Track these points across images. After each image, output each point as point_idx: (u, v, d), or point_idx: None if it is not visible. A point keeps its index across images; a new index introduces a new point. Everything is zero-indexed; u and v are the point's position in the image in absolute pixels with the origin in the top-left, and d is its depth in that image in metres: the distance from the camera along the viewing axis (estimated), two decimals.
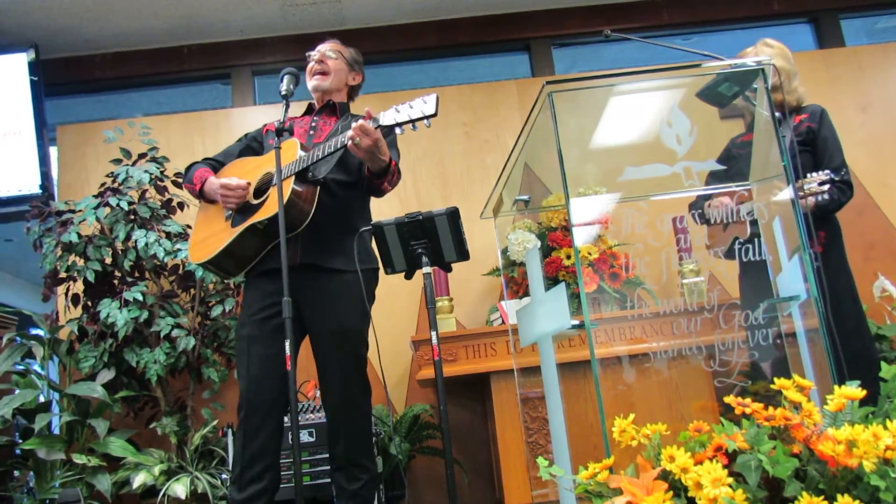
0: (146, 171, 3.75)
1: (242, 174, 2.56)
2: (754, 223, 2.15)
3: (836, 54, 4.57)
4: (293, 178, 2.35)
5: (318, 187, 2.42)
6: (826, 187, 2.53)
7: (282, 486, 2.48)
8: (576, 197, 2.09)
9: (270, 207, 2.35)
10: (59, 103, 4.67)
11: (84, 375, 3.61)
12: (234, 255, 2.51)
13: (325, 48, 2.72)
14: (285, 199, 2.29)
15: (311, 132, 2.62)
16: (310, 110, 2.77)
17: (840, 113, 4.39)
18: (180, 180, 2.82)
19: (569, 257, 3.61)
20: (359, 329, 2.48)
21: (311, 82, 2.69)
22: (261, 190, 2.49)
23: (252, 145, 2.76)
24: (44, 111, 4.26)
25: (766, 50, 2.91)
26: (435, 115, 2.22)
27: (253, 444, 2.37)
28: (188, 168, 2.73)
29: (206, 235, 2.59)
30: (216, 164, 2.71)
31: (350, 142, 2.26)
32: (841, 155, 2.87)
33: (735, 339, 2.02)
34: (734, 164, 2.43)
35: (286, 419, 2.53)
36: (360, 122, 2.25)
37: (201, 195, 2.62)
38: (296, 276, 2.40)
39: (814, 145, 2.87)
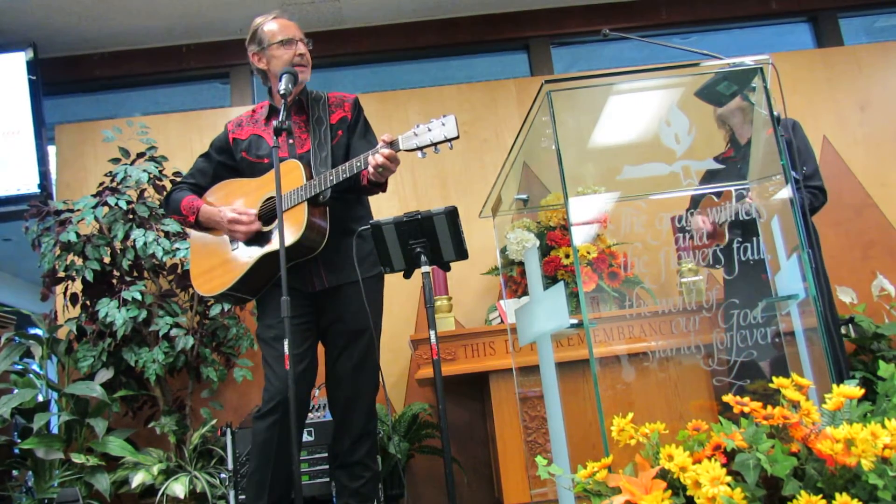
0: (145, 171, 3.74)
1: (237, 198, 2.53)
2: (734, 228, 2.15)
3: (835, 53, 4.57)
4: (306, 204, 2.34)
5: (327, 206, 2.42)
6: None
7: None
8: (574, 196, 2.09)
9: (286, 235, 2.30)
10: (58, 102, 4.66)
11: (83, 375, 3.61)
12: (249, 284, 2.50)
13: (302, 35, 2.59)
14: (303, 227, 2.31)
15: (290, 140, 2.53)
16: (274, 111, 2.60)
17: (839, 112, 4.41)
18: (179, 179, 2.77)
19: (567, 256, 3.61)
20: (373, 328, 2.49)
21: (298, 75, 2.51)
22: (268, 215, 2.47)
23: (222, 160, 2.64)
24: (42, 110, 4.25)
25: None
26: (457, 137, 2.21)
27: (288, 446, 2.34)
28: (167, 197, 2.64)
29: (212, 266, 2.56)
30: (196, 189, 2.62)
31: (373, 169, 2.26)
32: (814, 163, 2.95)
33: (734, 337, 2.02)
34: (715, 179, 2.44)
35: None
36: (387, 151, 2.25)
37: (197, 226, 2.56)
38: (322, 293, 2.46)
39: (791, 155, 2.95)
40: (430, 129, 2.23)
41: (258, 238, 2.46)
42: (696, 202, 2.64)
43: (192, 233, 2.65)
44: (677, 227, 2.49)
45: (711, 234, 2.31)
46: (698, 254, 2.24)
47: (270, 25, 2.59)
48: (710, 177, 2.37)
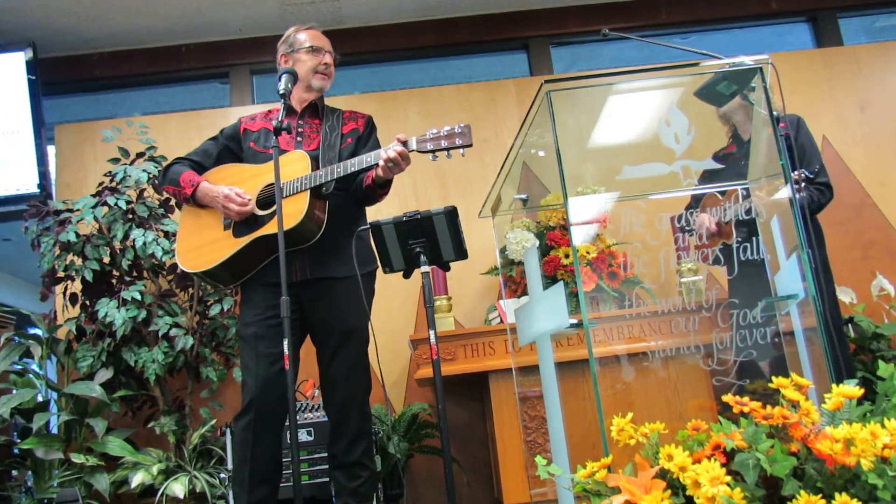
0: (144, 171, 3.74)
1: (239, 181, 2.53)
2: (740, 227, 2.15)
3: (835, 53, 4.57)
4: (309, 193, 2.35)
5: (327, 199, 2.43)
6: (802, 184, 2.57)
7: (280, 485, 2.49)
8: (574, 196, 2.09)
9: (284, 220, 2.31)
10: (57, 102, 4.66)
11: (82, 375, 3.61)
12: (235, 267, 2.48)
13: (331, 48, 2.68)
14: (302, 215, 2.32)
15: (299, 138, 2.58)
16: (289, 111, 2.62)
17: (838, 112, 4.41)
18: (182, 155, 2.75)
19: (567, 256, 3.61)
20: (364, 326, 2.49)
21: (317, 82, 2.61)
22: (265, 201, 2.47)
23: (230, 145, 2.68)
24: (42, 110, 4.25)
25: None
26: (470, 145, 2.27)
27: (263, 444, 2.37)
28: (167, 168, 2.65)
29: (200, 243, 2.54)
30: (197, 167, 2.63)
31: (384, 163, 2.30)
32: (819, 160, 2.96)
33: (733, 337, 2.02)
34: (716, 176, 2.44)
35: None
36: (400, 148, 2.29)
37: (192, 199, 2.56)
38: (304, 286, 2.45)
39: (791, 152, 2.95)
40: (445, 135, 2.27)
41: (252, 221, 2.45)
42: (696, 200, 2.64)
43: (185, 208, 2.63)
44: (677, 227, 2.49)
45: (716, 233, 2.31)
46: (699, 254, 2.24)
47: (303, 33, 2.68)
48: (709, 175, 2.37)
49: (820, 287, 2.05)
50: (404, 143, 2.31)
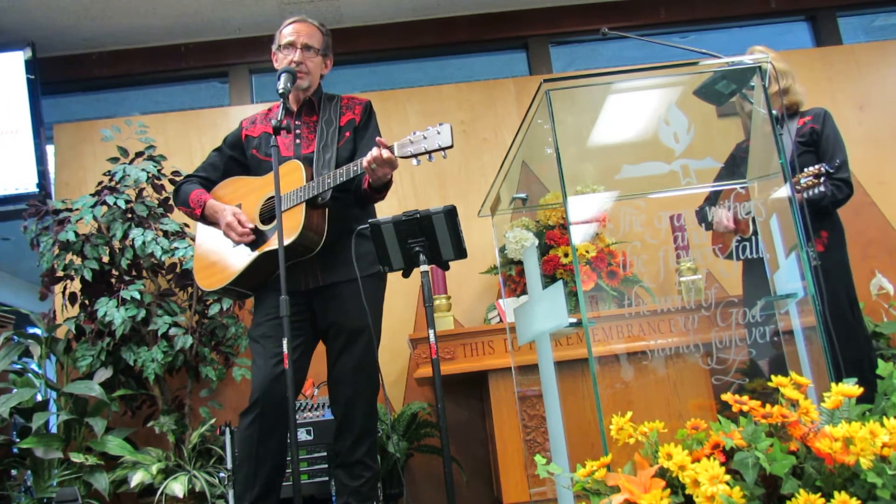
0: (143, 170, 3.74)
1: (242, 195, 2.55)
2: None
3: (834, 52, 4.57)
4: (304, 205, 2.36)
5: (326, 207, 2.44)
6: (822, 179, 2.55)
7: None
8: (573, 195, 2.10)
9: (284, 235, 2.33)
10: (57, 102, 4.66)
11: (81, 374, 3.60)
12: (245, 281, 2.53)
13: (306, 40, 2.56)
14: (299, 229, 2.33)
15: (297, 140, 2.57)
16: (287, 111, 2.60)
17: (837, 111, 4.38)
18: (178, 178, 2.79)
19: (566, 255, 3.61)
20: (373, 326, 2.50)
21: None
22: (268, 214, 2.49)
23: (234, 155, 2.70)
24: (41, 110, 4.24)
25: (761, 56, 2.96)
26: (451, 146, 2.22)
27: (268, 443, 2.38)
28: (178, 188, 2.69)
29: (213, 261, 2.60)
30: (206, 182, 2.67)
31: (367, 164, 2.28)
32: (843, 154, 2.93)
33: (732, 336, 2.02)
34: (739, 168, 2.45)
35: None
36: (376, 152, 2.25)
37: (203, 219, 2.61)
38: (315, 292, 2.48)
39: (817, 146, 2.94)
40: (425, 137, 2.24)
41: (257, 237, 2.48)
42: (713, 195, 2.64)
43: (200, 226, 2.69)
44: (676, 226, 2.49)
45: (733, 230, 2.31)
46: (716, 247, 2.24)
47: (286, 28, 2.62)
48: (728, 170, 2.37)
49: (820, 288, 2.05)
50: (386, 148, 2.28)
